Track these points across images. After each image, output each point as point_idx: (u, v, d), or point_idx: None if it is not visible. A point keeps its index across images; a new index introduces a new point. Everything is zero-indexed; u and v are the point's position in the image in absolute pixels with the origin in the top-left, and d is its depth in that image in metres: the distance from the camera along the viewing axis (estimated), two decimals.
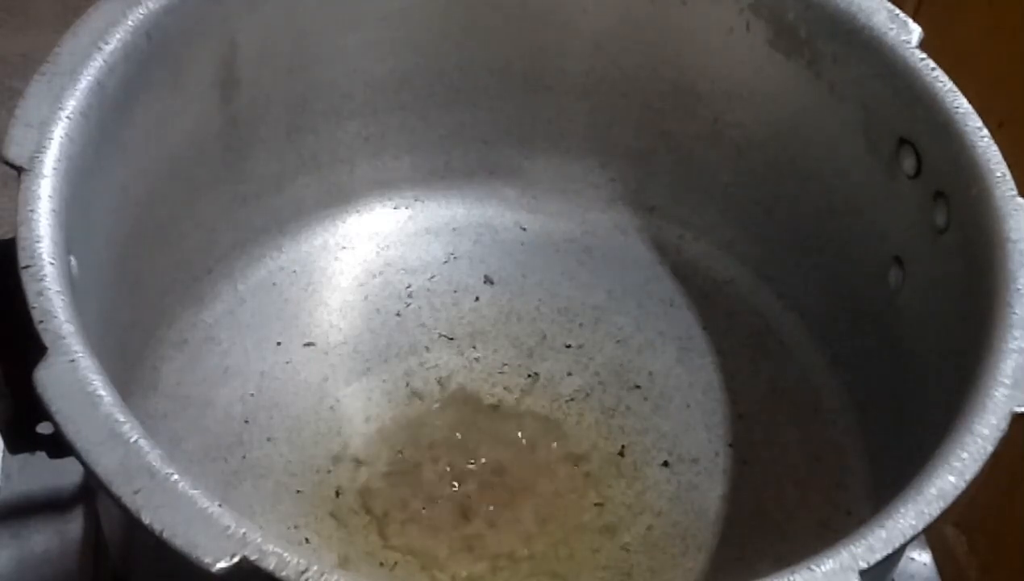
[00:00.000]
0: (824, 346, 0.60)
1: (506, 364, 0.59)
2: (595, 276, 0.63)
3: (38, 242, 0.39)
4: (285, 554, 0.33)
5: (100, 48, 0.45)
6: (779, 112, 0.57)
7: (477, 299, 0.61)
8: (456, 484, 0.54)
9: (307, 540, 0.52)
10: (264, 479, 0.53)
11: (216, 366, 0.57)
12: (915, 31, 0.51)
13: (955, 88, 0.49)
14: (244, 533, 0.33)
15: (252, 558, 0.32)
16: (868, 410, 0.56)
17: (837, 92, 0.54)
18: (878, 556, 0.35)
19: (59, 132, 0.42)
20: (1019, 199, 0.45)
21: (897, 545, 0.36)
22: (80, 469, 0.36)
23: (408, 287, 0.61)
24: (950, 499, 0.37)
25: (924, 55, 0.50)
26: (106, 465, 0.34)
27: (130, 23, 0.47)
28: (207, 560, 0.32)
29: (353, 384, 0.57)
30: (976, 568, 0.78)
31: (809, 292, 0.60)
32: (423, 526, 0.52)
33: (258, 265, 0.60)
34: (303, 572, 0.32)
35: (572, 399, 0.58)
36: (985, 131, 0.47)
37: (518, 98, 0.62)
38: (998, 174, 0.46)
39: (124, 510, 0.33)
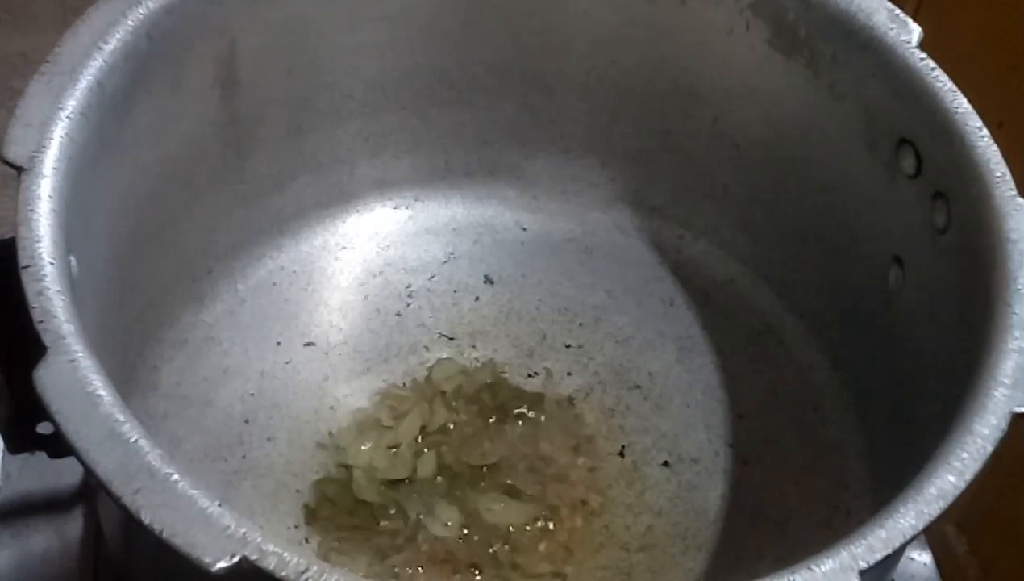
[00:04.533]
0: (824, 346, 0.60)
1: (506, 364, 0.59)
2: (595, 276, 0.63)
3: (38, 242, 0.39)
4: (285, 554, 0.33)
5: (100, 48, 0.45)
6: (779, 112, 0.57)
7: (477, 299, 0.61)
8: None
9: (307, 540, 0.52)
10: (264, 479, 0.54)
11: (216, 366, 0.57)
12: (915, 31, 0.51)
13: (955, 88, 0.49)
14: (244, 533, 0.33)
15: (252, 558, 0.32)
16: (868, 410, 0.56)
17: (837, 92, 0.54)
18: (878, 556, 0.35)
19: (59, 132, 0.42)
20: (1019, 199, 0.45)
21: (897, 545, 0.36)
22: (80, 469, 0.36)
23: (408, 287, 0.61)
24: (950, 499, 0.37)
25: (924, 55, 0.50)
26: (106, 465, 0.34)
27: (130, 23, 0.47)
28: (207, 560, 0.32)
29: (353, 384, 0.57)
30: (976, 568, 0.78)
31: (809, 292, 0.60)
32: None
33: (258, 265, 0.60)
34: (303, 572, 0.32)
35: (572, 399, 0.58)
36: (985, 131, 0.47)
37: (518, 98, 0.62)
38: (998, 174, 0.46)
39: (124, 510, 0.33)
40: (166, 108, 0.51)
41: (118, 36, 0.46)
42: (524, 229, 0.64)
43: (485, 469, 0.55)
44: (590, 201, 0.65)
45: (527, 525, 0.53)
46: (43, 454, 0.48)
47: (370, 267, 0.62)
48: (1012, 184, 0.46)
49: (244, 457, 0.54)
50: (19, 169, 0.41)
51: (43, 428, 0.47)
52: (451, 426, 0.56)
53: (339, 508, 0.53)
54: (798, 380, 0.59)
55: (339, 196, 0.62)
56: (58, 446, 0.36)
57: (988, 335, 0.42)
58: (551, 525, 0.53)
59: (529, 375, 0.59)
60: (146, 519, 0.33)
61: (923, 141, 0.50)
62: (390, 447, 0.55)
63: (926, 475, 0.38)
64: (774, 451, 0.57)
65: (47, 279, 0.38)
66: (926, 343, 0.50)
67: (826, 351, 0.59)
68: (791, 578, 0.34)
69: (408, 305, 0.61)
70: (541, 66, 0.61)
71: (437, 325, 0.60)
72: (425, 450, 0.55)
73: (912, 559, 0.57)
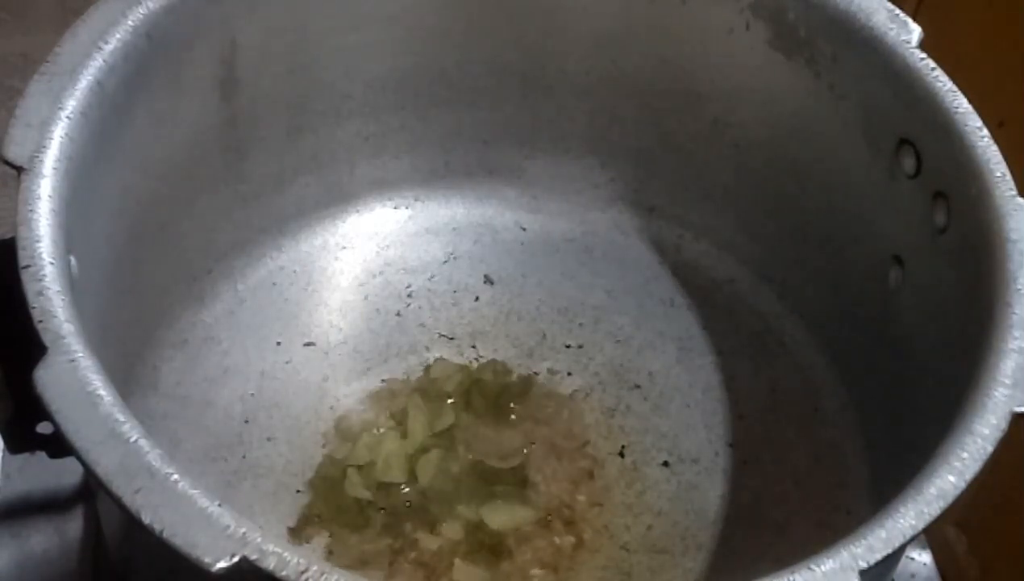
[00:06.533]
0: (824, 346, 0.60)
1: (506, 364, 0.59)
2: (595, 276, 0.63)
3: (38, 242, 0.39)
4: (285, 554, 0.33)
5: (100, 48, 0.45)
6: (779, 112, 0.57)
7: (477, 299, 0.61)
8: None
9: (307, 540, 0.52)
10: (264, 479, 0.54)
11: (216, 366, 0.57)
12: (915, 31, 0.51)
13: (955, 88, 0.49)
14: (244, 533, 0.33)
15: (252, 558, 0.32)
16: (868, 410, 0.56)
17: (837, 92, 0.54)
18: (878, 556, 0.35)
19: (59, 132, 0.42)
20: (1019, 199, 0.45)
21: (897, 545, 0.36)
22: (80, 469, 0.36)
23: (408, 287, 0.61)
24: (950, 499, 0.37)
25: (924, 55, 0.50)
26: (106, 465, 0.34)
27: (130, 23, 0.47)
28: (207, 560, 0.32)
29: (353, 384, 0.57)
30: (976, 568, 0.78)
31: (809, 292, 0.60)
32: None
33: (258, 265, 0.60)
34: (303, 572, 0.32)
35: (572, 399, 0.58)
36: (985, 131, 0.47)
37: (518, 98, 0.62)
38: (998, 174, 0.46)
39: (124, 510, 0.33)
40: (166, 108, 0.51)
41: (118, 36, 0.46)
42: (524, 229, 0.64)
43: (485, 470, 0.55)
44: (590, 201, 0.65)
45: (526, 526, 0.53)
46: (43, 454, 0.48)
47: (370, 267, 0.62)
48: (1012, 184, 0.46)
49: (244, 457, 0.54)
50: (19, 169, 0.41)
51: (43, 428, 0.47)
52: (453, 427, 0.56)
53: (335, 507, 0.53)
54: (798, 380, 0.59)
55: (339, 196, 0.62)
56: (58, 446, 0.36)
57: (988, 335, 0.42)
58: (550, 526, 0.53)
59: (529, 375, 0.59)
60: (146, 519, 0.33)
61: (923, 141, 0.50)
62: (390, 448, 0.54)
63: (926, 475, 0.38)
64: (774, 451, 0.57)
65: (47, 279, 0.38)
66: (926, 343, 0.50)
67: (826, 351, 0.59)
68: (791, 578, 0.34)
69: (408, 305, 0.61)
70: (541, 66, 0.61)
71: (437, 325, 0.60)
72: (425, 452, 0.55)
73: (912, 559, 0.57)
